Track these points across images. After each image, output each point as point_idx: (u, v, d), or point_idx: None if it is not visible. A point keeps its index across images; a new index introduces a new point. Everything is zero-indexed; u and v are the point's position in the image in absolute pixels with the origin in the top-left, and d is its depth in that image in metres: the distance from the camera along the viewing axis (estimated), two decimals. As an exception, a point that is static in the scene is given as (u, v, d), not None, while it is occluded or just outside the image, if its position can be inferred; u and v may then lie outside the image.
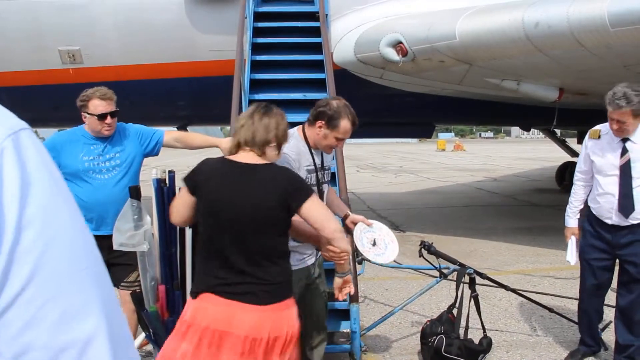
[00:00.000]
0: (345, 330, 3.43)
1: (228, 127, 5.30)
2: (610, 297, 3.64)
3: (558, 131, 13.61)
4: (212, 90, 7.11)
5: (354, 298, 3.37)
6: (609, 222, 3.29)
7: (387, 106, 8.60)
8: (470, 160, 28.29)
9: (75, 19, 6.77)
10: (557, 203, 8.03)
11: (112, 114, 3.15)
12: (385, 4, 6.97)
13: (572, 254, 3.57)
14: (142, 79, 7.14)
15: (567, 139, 13.74)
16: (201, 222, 2.24)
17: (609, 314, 3.74)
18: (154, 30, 6.95)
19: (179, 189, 2.46)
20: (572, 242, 3.57)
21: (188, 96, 7.77)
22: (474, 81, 6.92)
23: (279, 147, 2.28)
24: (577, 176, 3.52)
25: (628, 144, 3.19)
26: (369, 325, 3.91)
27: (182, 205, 2.27)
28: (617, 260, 3.41)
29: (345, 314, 3.42)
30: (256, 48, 5.70)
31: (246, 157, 2.21)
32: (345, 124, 2.66)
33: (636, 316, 3.31)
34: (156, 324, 2.77)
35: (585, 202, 3.50)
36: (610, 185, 3.25)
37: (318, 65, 5.34)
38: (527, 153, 35.27)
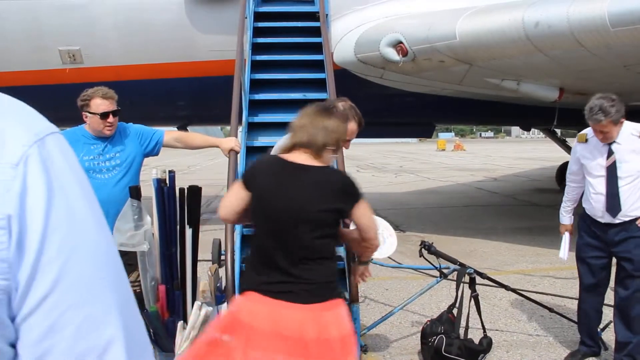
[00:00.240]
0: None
1: (228, 127, 5.30)
2: (610, 297, 3.64)
3: (558, 131, 13.60)
4: (212, 90, 7.11)
5: (354, 298, 3.37)
6: (601, 220, 3.40)
7: (388, 106, 8.60)
8: (471, 160, 28.30)
9: (75, 19, 6.77)
10: (557, 203, 7.99)
11: (114, 113, 3.16)
12: (386, 4, 6.97)
13: (564, 251, 3.70)
14: (142, 79, 7.14)
15: (567, 139, 13.74)
16: (253, 218, 2.23)
17: (609, 314, 3.74)
18: (154, 30, 6.95)
19: (225, 186, 2.47)
20: (565, 239, 3.72)
21: (188, 96, 7.77)
22: (474, 81, 6.92)
23: (336, 150, 2.26)
24: (570, 178, 3.67)
25: (614, 146, 3.33)
26: (369, 325, 3.91)
27: (235, 199, 2.24)
28: (614, 259, 3.48)
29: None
30: (256, 48, 5.70)
31: (300, 157, 2.20)
32: (352, 125, 2.71)
33: (633, 312, 3.35)
34: (156, 324, 2.77)
35: (580, 203, 3.63)
36: (599, 185, 3.38)
37: (318, 65, 5.34)
38: (527, 153, 35.27)
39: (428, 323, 3.57)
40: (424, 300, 4.56)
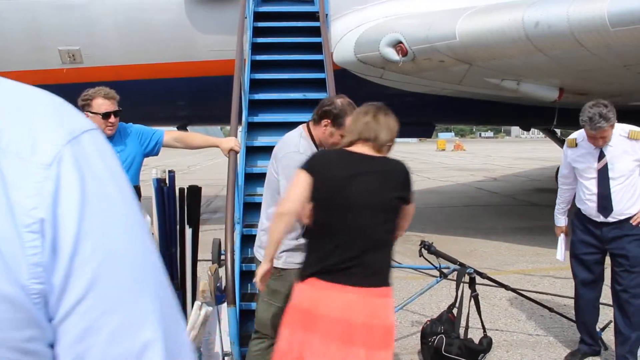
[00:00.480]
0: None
1: (228, 127, 5.30)
2: (609, 298, 3.64)
3: (558, 131, 13.61)
4: (212, 90, 7.11)
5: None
6: (597, 220, 3.46)
7: (387, 106, 8.59)
8: (470, 160, 28.30)
9: (75, 19, 6.77)
10: (557, 203, 8.03)
11: (116, 113, 3.16)
12: (385, 4, 6.97)
13: (561, 252, 3.77)
14: (142, 78, 7.14)
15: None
16: (315, 209, 2.25)
17: (609, 314, 3.74)
18: (153, 30, 6.95)
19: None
20: (561, 240, 3.79)
21: (188, 96, 7.77)
22: (474, 81, 6.92)
23: (391, 146, 2.37)
24: (561, 180, 3.76)
25: (605, 148, 3.39)
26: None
27: (303, 190, 2.24)
28: (608, 257, 3.54)
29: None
30: (256, 48, 5.70)
31: (363, 149, 2.29)
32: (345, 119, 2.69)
33: (632, 308, 3.38)
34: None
35: (574, 202, 3.70)
36: (593, 187, 3.46)
37: (318, 65, 5.34)
38: (527, 153, 35.27)
39: (428, 323, 3.57)
40: (424, 300, 4.56)
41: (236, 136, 3.78)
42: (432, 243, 3.68)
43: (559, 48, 5.47)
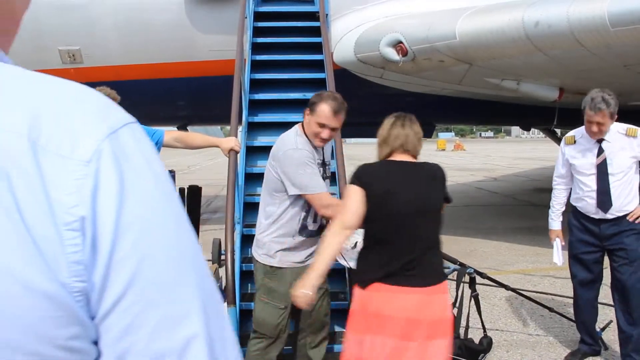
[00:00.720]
0: (345, 330, 3.42)
1: (228, 127, 5.30)
2: (609, 298, 3.64)
3: (558, 131, 13.60)
4: (212, 90, 7.10)
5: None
6: (595, 217, 3.46)
7: (387, 106, 8.58)
8: (470, 160, 28.30)
9: (75, 19, 6.76)
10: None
11: None
12: (385, 4, 6.97)
13: (558, 256, 3.72)
14: (142, 78, 7.14)
15: (567, 139, 13.72)
16: (370, 219, 2.35)
17: (609, 314, 3.74)
18: (154, 30, 6.94)
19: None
20: (557, 244, 3.72)
21: (188, 96, 7.77)
22: (474, 81, 6.92)
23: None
24: (556, 180, 3.73)
25: (604, 144, 3.42)
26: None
27: (359, 204, 2.33)
28: (606, 256, 3.53)
29: (345, 314, 3.42)
30: (256, 48, 5.70)
31: (402, 157, 2.43)
32: (323, 107, 2.70)
33: (633, 304, 3.39)
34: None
35: (569, 202, 3.70)
36: (591, 183, 3.46)
37: (318, 65, 5.34)
38: (527, 153, 35.27)
39: (428, 323, 3.57)
40: (424, 300, 4.55)
41: (236, 136, 3.78)
42: (432, 243, 3.67)
43: (559, 48, 5.47)
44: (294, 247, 2.77)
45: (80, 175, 0.48)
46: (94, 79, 5.24)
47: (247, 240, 3.77)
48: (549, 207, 3.77)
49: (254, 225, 3.69)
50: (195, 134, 3.79)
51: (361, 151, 40.15)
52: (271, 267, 2.79)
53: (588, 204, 3.47)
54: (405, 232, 2.31)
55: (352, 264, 2.88)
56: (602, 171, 3.41)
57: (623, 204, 3.39)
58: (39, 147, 0.47)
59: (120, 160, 0.50)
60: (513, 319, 4.41)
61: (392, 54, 6.25)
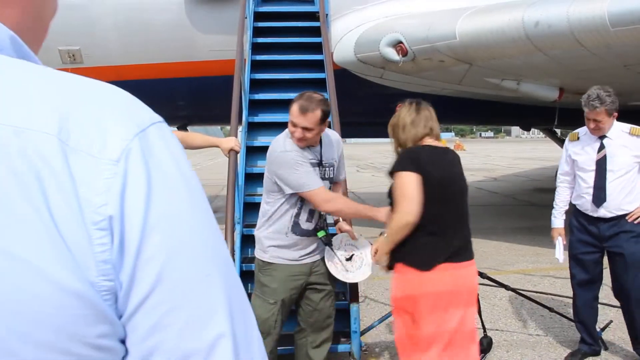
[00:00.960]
0: (345, 330, 3.43)
1: (228, 127, 5.30)
2: (609, 298, 3.64)
3: (558, 131, 13.60)
4: (212, 90, 7.11)
5: (354, 298, 3.37)
6: (594, 214, 3.45)
7: (387, 106, 8.59)
8: (470, 160, 28.29)
9: (75, 19, 6.76)
10: (557, 203, 8.03)
11: None
12: (386, 4, 6.97)
13: (560, 253, 3.74)
14: (142, 78, 7.14)
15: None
16: (430, 202, 2.42)
17: (609, 314, 3.74)
18: (154, 30, 6.95)
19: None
20: (559, 242, 3.74)
21: (188, 96, 7.77)
22: (474, 81, 6.92)
23: None
24: (560, 178, 3.73)
25: (605, 141, 3.44)
26: (370, 324, 3.91)
27: (419, 191, 2.41)
28: (606, 257, 3.54)
29: (345, 314, 3.42)
30: (256, 48, 5.70)
31: (435, 142, 2.60)
32: (293, 106, 2.70)
33: (637, 305, 3.40)
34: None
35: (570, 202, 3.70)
36: (591, 179, 3.46)
37: (318, 65, 5.34)
38: (527, 153, 35.28)
39: (428, 323, 3.57)
40: (424, 300, 4.55)
41: (236, 136, 3.78)
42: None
43: (559, 48, 5.47)
44: (287, 244, 2.77)
45: (109, 175, 0.48)
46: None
47: (247, 240, 3.77)
48: (550, 206, 3.78)
49: (253, 226, 3.69)
50: (195, 134, 3.78)
51: (361, 151, 40.19)
52: (263, 262, 2.82)
53: (586, 201, 3.48)
54: (458, 212, 2.54)
55: (342, 276, 2.85)
56: (600, 167, 3.42)
57: (623, 202, 3.38)
58: (68, 147, 0.47)
59: (148, 160, 0.50)
60: (513, 319, 4.41)
61: (392, 54, 6.25)
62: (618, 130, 3.41)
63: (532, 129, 13.64)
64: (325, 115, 2.71)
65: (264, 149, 4.36)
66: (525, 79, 6.71)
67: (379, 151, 41.44)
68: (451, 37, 5.85)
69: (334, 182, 3.01)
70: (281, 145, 2.76)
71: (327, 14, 6.18)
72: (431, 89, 7.68)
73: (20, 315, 0.45)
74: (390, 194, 2.53)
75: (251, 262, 3.51)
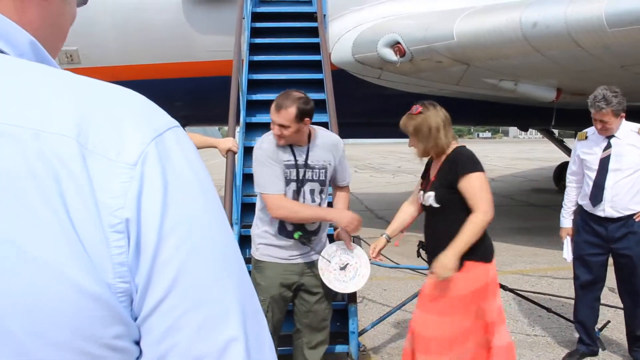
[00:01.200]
0: (343, 331, 3.42)
1: (226, 128, 5.29)
2: (609, 298, 3.65)
3: (556, 131, 13.62)
4: (210, 91, 7.10)
5: (352, 298, 3.37)
6: (601, 214, 3.41)
7: (385, 106, 8.60)
8: (468, 161, 28.27)
9: (72, 19, 6.75)
10: (555, 203, 8.04)
11: None
12: (383, 5, 6.97)
13: (568, 252, 3.71)
14: (140, 79, 7.13)
15: (564, 139, 13.75)
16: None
17: (607, 314, 3.74)
18: (152, 31, 6.94)
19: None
20: (567, 242, 3.72)
21: (186, 96, 7.76)
22: (472, 81, 6.92)
23: None
24: (569, 178, 3.71)
25: (613, 140, 3.42)
26: (368, 325, 3.91)
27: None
28: (611, 258, 3.52)
29: (343, 314, 3.42)
30: (254, 48, 5.69)
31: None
32: (272, 105, 2.77)
33: None
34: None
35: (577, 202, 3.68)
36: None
37: (316, 66, 5.34)
38: (525, 153, 35.31)
39: (426, 323, 3.58)
40: (422, 300, 4.54)
41: (234, 137, 3.78)
42: (430, 243, 3.67)
43: (557, 48, 5.48)
44: (277, 244, 2.76)
45: (126, 179, 0.49)
46: (91, 80, 5.23)
47: (245, 241, 3.76)
48: (548, 206, 3.78)
49: (251, 226, 3.70)
50: (193, 134, 3.78)
51: (359, 151, 40.20)
52: (255, 259, 2.83)
53: (589, 202, 3.46)
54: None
55: (333, 285, 2.79)
56: (603, 166, 3.39)
57: (630, 202, 3.34)
58: (87, 149, 0.48)
59: (164, 164, 0.51)
60: (511, 319, 4.41)
61: (390, 54, 6.25)
62: (627, 130, 3.38)
63: (530, 130, 13.65)
64: (303, 112, 2.65)
65: (261, 150, 4.37)
66: (523, 79, 6.72)
67: (376, 151, 41.47)
68: (449, 37, 5.86)
69: (336, 186, 2.99)
70: (260, 141, 2.81)
71: (324, 15, 6.18)
72: (429, 90, 7.69)
73: (37, 316, 0.46)
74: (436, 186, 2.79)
75: (248, 262, 3.50)
